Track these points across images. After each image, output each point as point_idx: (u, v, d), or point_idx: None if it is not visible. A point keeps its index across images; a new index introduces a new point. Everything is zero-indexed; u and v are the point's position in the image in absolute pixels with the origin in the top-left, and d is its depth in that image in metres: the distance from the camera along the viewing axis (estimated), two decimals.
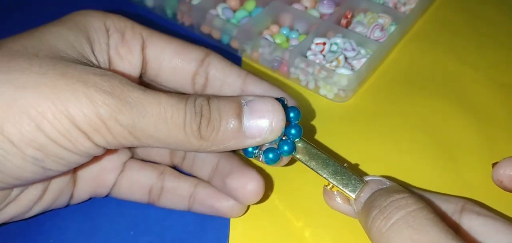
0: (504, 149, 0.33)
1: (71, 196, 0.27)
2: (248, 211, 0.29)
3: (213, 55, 0.27)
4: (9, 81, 0.21)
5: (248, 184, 0.26)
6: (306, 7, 0.45)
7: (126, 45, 0.26)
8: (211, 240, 0.28)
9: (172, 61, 0.27)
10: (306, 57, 0.39)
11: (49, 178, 0.25)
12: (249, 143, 0.24)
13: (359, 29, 0.42)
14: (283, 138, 0.25)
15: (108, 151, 0.25)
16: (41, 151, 0.21)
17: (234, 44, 0.42)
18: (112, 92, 0.21)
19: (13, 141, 0.20)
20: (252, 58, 0.41)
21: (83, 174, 0.27)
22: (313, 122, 0.35)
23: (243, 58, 0.42)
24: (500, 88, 0.39)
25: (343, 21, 0.43)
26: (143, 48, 0.26)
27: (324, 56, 0.39)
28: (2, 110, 0.20)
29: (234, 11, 0.45)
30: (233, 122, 0.23)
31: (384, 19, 0.43)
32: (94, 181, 0.28)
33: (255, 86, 0.27)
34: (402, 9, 0.45)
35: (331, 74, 0.36)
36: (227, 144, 0.23)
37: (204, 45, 0.44)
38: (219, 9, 0.45)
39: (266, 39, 0.40)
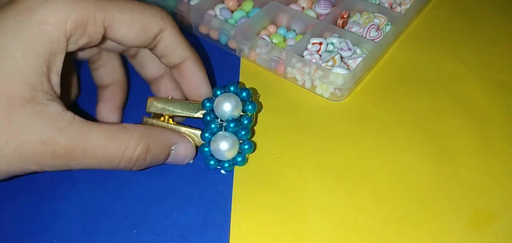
0: (498, 146, 0.34)
1: None
2: (249, 207, 0.30)
3: (166, 32, 0.30)
4: None
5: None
6: (303, 8, 0.45)
7: (87, 39, 0.27)
8: (212, 237, 0.28)
9: (131, 42, 0.29)
10: (302, 56, 0.39)
11: None
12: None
13: (355, 29, 0.43)
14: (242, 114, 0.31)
15: None
16: None
17: (232, 44, 0.43)
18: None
19: None
20: (249, 58, 0.42)
21: None
22: (310, 121, 0.36)
23: (241, 58, 0.42)
24: (494, 87, 0.40)
25: (339, 21, 0.43)
26: (104, 35, 0.28)
27: (320, 55, 0.40)
28: None
29: (232, 11, 0.46)
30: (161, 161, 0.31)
31: (380, 19, 0.43)
32: None
33: (191, 74, 0.32)
34: (398, 9, 0.46)
35: (327, 73, 0.37)
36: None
37: (203, 46, 0.44)
38: (217, 10, 0.46)
39: (264, 39, 0.41)
